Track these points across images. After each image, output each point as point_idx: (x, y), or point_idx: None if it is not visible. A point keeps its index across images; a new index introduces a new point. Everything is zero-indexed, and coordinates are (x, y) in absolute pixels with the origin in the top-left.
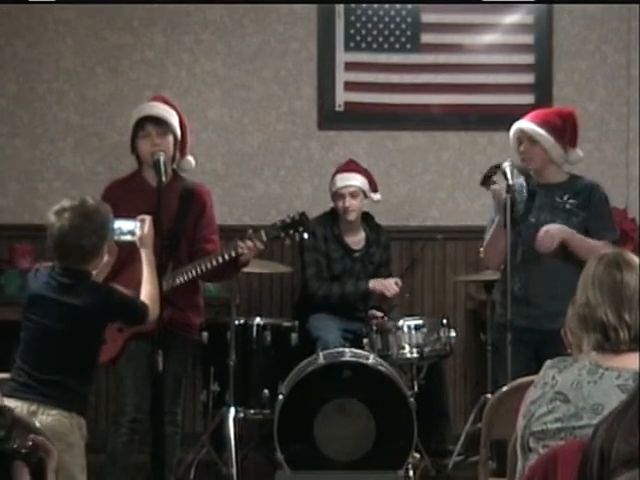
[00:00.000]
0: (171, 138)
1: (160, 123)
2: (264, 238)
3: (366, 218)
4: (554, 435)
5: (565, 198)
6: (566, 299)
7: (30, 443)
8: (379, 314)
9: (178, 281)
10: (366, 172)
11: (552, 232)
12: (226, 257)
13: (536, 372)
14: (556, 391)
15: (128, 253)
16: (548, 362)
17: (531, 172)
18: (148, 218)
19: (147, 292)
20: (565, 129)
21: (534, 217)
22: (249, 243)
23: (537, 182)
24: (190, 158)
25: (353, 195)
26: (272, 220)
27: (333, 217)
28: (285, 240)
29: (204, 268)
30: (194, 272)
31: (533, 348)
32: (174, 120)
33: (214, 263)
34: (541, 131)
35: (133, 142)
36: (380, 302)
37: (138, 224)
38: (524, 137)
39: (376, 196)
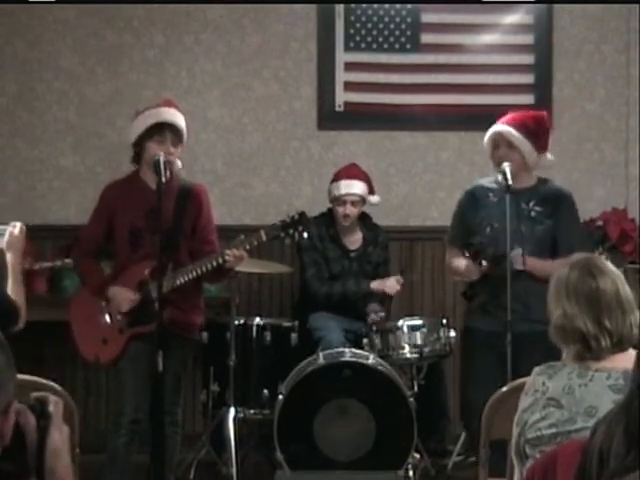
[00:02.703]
0: (180, 149)
1: (177, 132)
2: (264, 238)
3: (363, 218)
4: (549, 441)
5: (531, 205)
6: (534, 306)
7: (32, 401)
8: (379, 310)
9: (174, 284)
10: (366, 176)
11: (522, 259)
12: (209, 266)
13: (502, 376)
14: (548, 397)
15: (127, 253)
16: (536, 369)
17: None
18: (19, 224)
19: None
20: (540, 133)
21: (498, 223)
22: (235, 252)
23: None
24: (178, 161)
25: (354, 203)
26: (272, 220)
27: (329, 217)
28: (285, 240)
29: (190, 275)
30: (184, 278)
31: (498, 352)
32: (185, 130)
33: (198, 272)
34: (520, 136)
35: (141, 141)
36: (381, 300)
37: (8, 229)
38: (502, 141)
39: (374, 199)
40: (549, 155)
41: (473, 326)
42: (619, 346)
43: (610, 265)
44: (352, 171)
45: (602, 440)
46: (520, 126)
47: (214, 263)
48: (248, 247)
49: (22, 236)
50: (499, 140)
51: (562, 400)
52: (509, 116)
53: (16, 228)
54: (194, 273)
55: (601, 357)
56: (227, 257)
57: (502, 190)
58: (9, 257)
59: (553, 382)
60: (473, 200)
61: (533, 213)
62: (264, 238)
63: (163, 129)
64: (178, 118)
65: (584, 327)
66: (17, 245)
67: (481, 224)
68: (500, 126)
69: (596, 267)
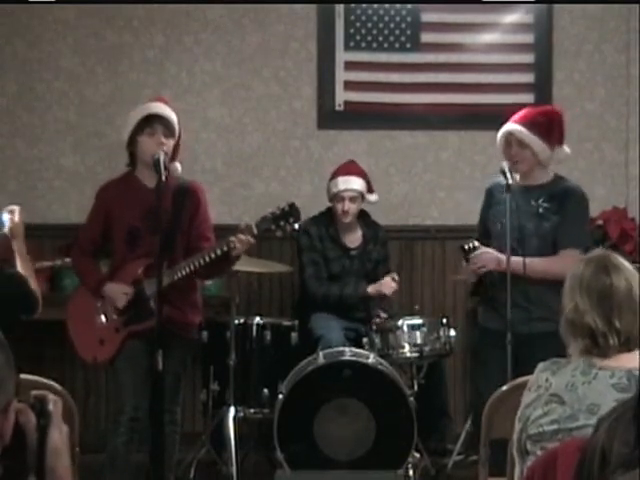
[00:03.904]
0: (173, 141)
1: (167, 125)
2: (255, 231)
3: (362, 216)
4: (551, 437)
5: (540, 202)
6: (538, 304)
7: (32, 400)
8: (384, 315)
9: (172, 279)
10: (364, 173)
11: (483, 259)
12: (218, 252)
13: (515, 376)
14: (551, 393)
15: (125, 252)
16: (541, 365)
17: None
18: (17, 208)
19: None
20: (552, 129)
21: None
22: (241, 236)
23: (517, 184)
24: (178, 164)
25: (353, 199)
26: None
27: (329, 217)
28: (276, 232)
29: (197, 265)
30: (187, 269)
31: (512, 352)
32: (177, 124)
33: (206, 259)
34: (530, 134)
35: (133, 138)
36: (381, 303)
37: (8, 215)
38: (513, 140)
39: (372, 197)
40: (566, 148)
41: (486, 325)
42: (626, 345)
43: (626, 263)
44: (350, 168)
45: (604, 438)
46: (531, 124)
47: (218, 252)
48: (255, 233)
49: (22, 219)
50: (511, 139)
51: (565, 397)
52: (520, 114)
53: (15, 214)
54: (196, 264)
55: (607, 355)
56: (232, 244)
57: (515, 188)
58: (15, 245)
59: (556, 378)
60: (490, 198)
61: (541, 210)
62: (255, 231)
63: (152, 121)
64: (166, 111)
65: (593, 323)
66: (20, 231)
67: (493, 221)
68: (511, 125)
69: (612, 265)
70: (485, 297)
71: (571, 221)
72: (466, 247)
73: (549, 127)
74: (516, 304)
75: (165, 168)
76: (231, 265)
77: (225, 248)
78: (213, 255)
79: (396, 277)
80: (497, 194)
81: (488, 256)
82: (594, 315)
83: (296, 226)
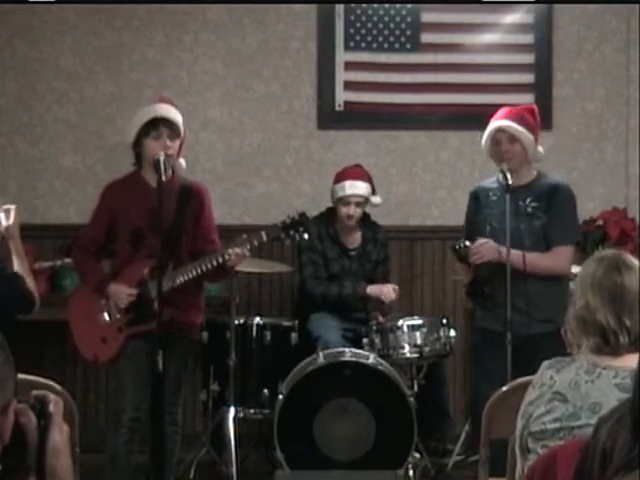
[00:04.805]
0: (178, 142)
1: (173, 127)
2: (264, 239)
3: (362, 217)
4: (553, 435)
5: (527, 201)
6: (537, 306)
7: (32, 400)
8: (381, 318)
9: (171, 285)
10: (369, 177)
11: (483, 250)
12: (214, 263)
13: (514, 378)
14: (554, 391)
15: (128, 253)
16: (545, 363)
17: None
18: (13, 207)
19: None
20: (536, 126)
21: (497, 223)
22: (237, 250)
23: (503, 184)
24: (182, 160)
25: (359, 204)
26: (272, 219)
27: (329, 217)
28: (285, 241)
29: (194, 273)
30: (186, 276)
31: (512, 354)
32: (182, 125)
33: (203, 268)
34: (520, 128)
35: (138, 140)
36: (379, 306)
37: (2, 215)
38: (503, 136)
39: (376, 199)
40: (540, 148)
41: (483, 325)
42: (634, 345)
43: (638, 263)
44: (357, 172)
45: (605, 438)
46: (520, 119)
47: (214, 262)
48: (249, 247)
49: (18, 217)
50: (500, 136)
51: (568, 395)
52: (503, 112)
53: (11, 213)
54: (194, 272)
55: (617, 353)
56: (228, 256)
57: (502, 189)
58: (12, 244)
59: (560, 376)
60: (476, 201)
61: (530, 209)
62: (264, 239)
63: (158, 124)
64: (172, 112)
65: (605, 321)
66: (16, 230)
67: (482, 224)
68: (499, 122)
69: (624, 263)
70: (479, 296)
71: (560, 218)
72: (457, 247)
73: (534, 123)
74: (514, 306)
75: (166, 169)
76: (228, 274)
77: (220, 259)
78: (209, 265)
79: (397, 289)
80: (483, 198)
81: (488, 246)
82: (605, 313)
83: (306, 236)
